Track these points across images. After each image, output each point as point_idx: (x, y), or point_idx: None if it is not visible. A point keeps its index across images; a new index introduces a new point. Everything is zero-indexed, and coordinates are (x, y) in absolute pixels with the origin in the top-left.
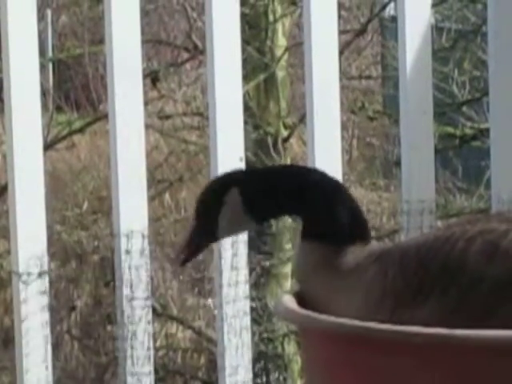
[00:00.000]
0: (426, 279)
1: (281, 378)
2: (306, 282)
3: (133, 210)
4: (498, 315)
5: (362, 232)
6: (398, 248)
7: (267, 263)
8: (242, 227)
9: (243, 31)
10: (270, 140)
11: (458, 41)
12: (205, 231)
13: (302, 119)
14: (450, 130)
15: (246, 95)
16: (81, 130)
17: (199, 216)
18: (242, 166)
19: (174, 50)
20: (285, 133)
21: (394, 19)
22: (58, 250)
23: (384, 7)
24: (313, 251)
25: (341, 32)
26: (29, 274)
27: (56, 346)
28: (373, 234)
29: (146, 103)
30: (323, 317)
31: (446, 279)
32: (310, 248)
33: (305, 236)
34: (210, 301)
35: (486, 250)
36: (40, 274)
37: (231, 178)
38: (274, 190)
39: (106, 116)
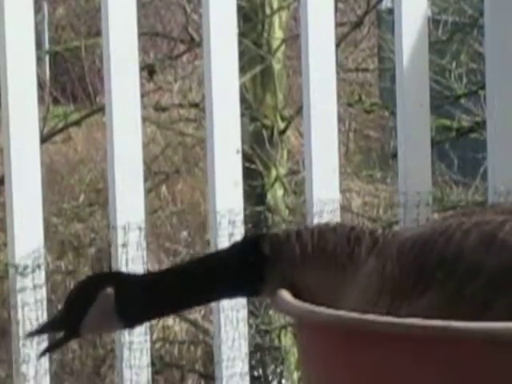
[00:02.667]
0: (423, 272)
1: (277, 370)
2: (304, 277)
3: (129, 203)
4: (496, 306)
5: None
6: (394, 240)
7: None
8: (109, 327)
9: (240, 24)
10: (266, 132)
11: (455, 33)
12: (67, 322)
13: (299, 111)
14: (447, 122)
15: (242, 87)
16: (77, 123)
17: (66, 307)
18: (238, 158)
19: (171, 43)
20: (282, 125)
21: (390, 11)
22: (55, 242)
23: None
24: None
25: (337, 24)
26: (25, 266)
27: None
28: (370, 225)
29: (142, 95)
30: (320, 309)
31: (444, 271)
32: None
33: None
34: None
35: (483, 242)
36: (37, 267)
37: (108, 279)
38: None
39: (102, 108)
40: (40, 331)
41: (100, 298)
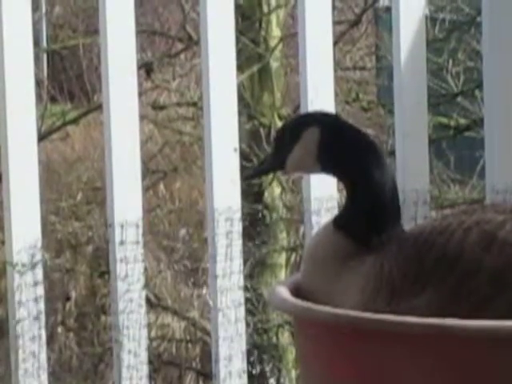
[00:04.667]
0: (423, 270)
1: (275, 368)
2: (309, 271)
3: (127, 201)
4: (495, 304)
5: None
6: (395, 240)
7: (262, 253)
8: (309, 167)
9: (237, 22)
10: (264, 131)
11: (453, 32)
12: (276, 160)
13: (297, 110)
14: (444, 120)
15: (240, 86)
16: (75, 121)
17: (274, 146)
18: (236, 156)
19: (169, 41)
20: (279, 123)
21: (388, 10)
22: (53, 240)
23: None
24: (340, 245)
25: (335, 23)
26: (23, 264)
27: (50, 337)
28: None
29: (140, 94)
30: (318, 307)
31: (444, 269)
32: (340, 240)
33: (336, 221)
34: (204, 291)
35: (483, 241)
36: (34, 265)
37: (315, 118)
38: (349, 147)
39: (100, 107)
40: (253, 175)
41: (305, 136)
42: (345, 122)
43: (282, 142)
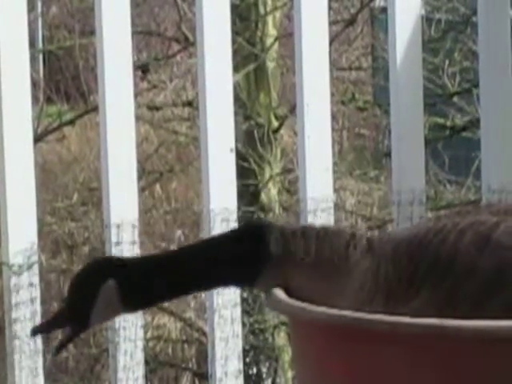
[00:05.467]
0: (418, 272)
1: (271, 368)
2: (300, 276)
3: (123, 201)
4: (490, 306)
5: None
6: (389, 241)
7: None
8: (115, 316)
9: (233, 23)
10: (260, 131)
11: (448, 32)
12: (77, 321)
13: (293, 110)
14: (440, 120)
15: (236, 86)
16: (71, 122)
17: (72, 304)
18: (232, 157)
19: (165, 42)
20: (275, 124)
21: (384, 10)
22: (49, 241)
23: None
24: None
25: (331, 23)
26: (19, 265)
27: (46, 338)
28: (364, 224)
29: (136, 94)
30: (314, 308)
31: (439, 271)
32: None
33: (253, 281)
34: None
35: (478, 242)
36: (30, 266)
37: (109, 269)
38: (153, 284)
39: (96, 108)
40: (45, 329)
41: (103, 291)
42: (135, 265)
43: (79, 300)
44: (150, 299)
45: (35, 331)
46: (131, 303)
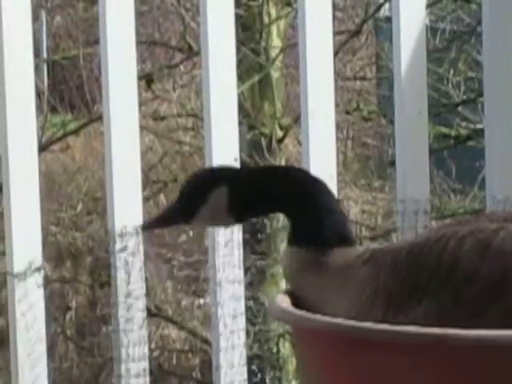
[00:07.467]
0: (418, 280)
1: (275, 378)
2: (295, 284)
3: (127, 211)
4: (491, 313)
5: (346, 235)
6: (390, 249)
7: (262, 263)
8: (220, 223)
9: (238, 33)
10: (264, 141)
11: (453, 41)
12: (182, 214)
13: (297, 120)
14: (445, 130)
15: (240, 96)
16: (75, 132)
17: (182, 200)
18: (237, 166)
19: (169, 52)
20: (280, 133)
21: (388, 20)
22: (53, 250)
23: (379, 8)
24: (298, 255)
25: (335, 33)
26: (24, 274)
27: (51, 347)
28: (368, 234)
29: (140, 104)
30: (317, 317)
31: (439, 279)
32: (296, 252)
33: (291, 241)
34: (201, 301)
35: (478, 249)
36: (35, 275)
37: (222, 176)
38: (261, 193)
39: (100, 117)
40: (156, 225)
41: (216, 194)
42: (251, 171)
43: (189, 199)
44: (256, 208)
45: (146, 226)
46: (238, 211)
